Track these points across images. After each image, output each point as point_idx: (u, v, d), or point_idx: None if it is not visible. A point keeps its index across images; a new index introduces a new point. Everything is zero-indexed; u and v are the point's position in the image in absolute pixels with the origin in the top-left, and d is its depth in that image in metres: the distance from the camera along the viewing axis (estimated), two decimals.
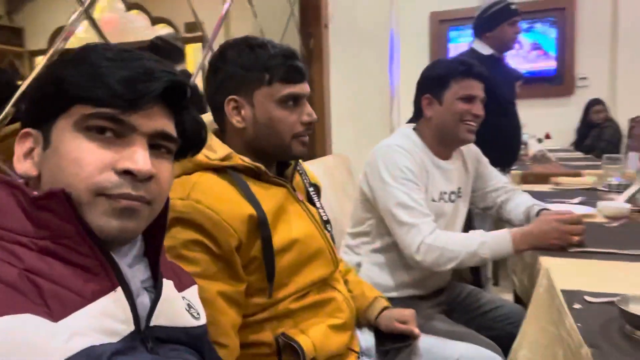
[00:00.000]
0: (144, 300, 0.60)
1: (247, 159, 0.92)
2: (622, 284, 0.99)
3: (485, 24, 2.37)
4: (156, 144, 0.59)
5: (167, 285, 0.64)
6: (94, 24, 1.07)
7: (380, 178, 1.36)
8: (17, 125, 0.62)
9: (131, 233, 0.58)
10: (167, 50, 2.45)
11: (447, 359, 1.15)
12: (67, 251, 0.54)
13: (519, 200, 1.55)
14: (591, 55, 4.65)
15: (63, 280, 0.52)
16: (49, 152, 0.57)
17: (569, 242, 1.23)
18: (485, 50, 2.35)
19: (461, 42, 4.95)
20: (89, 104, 0.55)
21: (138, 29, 5.87)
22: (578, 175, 2.58)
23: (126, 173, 0.55)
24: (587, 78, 4.70)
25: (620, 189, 1.84)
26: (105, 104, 0.55)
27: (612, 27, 4.56)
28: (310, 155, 2.22)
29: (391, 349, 1.15)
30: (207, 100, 0.98)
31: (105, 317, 0.54)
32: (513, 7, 2.35)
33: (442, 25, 5.02)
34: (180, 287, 0.69)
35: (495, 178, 1.62)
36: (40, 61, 1.05)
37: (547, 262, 1.13)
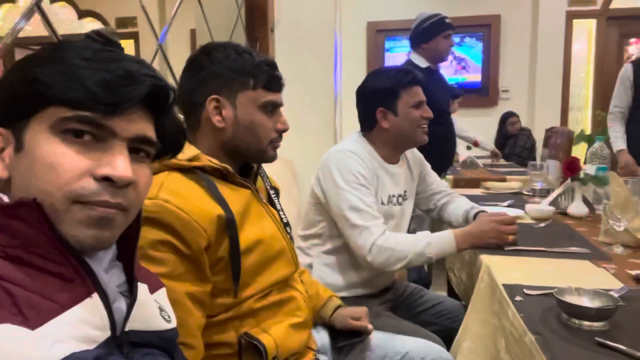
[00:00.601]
0: (120, 305, 0.59)
1: (214, 160, 0.93)
2: (553, 277, 1.10)
3: (422, 35, 2.51)
4: (136, 147, 0.58)
5: (142, 288, 0.64)
6: (45, 18, 1.02)
7: (334, 182, 1.41)
8: None
9: (106, 242, 0.57)
10: (103, 45, 2.33)
11: (397, 353, 1.21)
12: (40, 260, 0.52)
13: (458, 203, 1.66)
14: (513, 70, 5.04)
15: (38, 288, 0.51)
16: (22, 155, 0.54)
17: (505, 240, 1.35)
18: (422, 62, 2.49)
19: (397, 52, 5.16)
20: (65, 106, 0.53)
21: (63, 22, 5.53)
22: (504, 180, 2.80)
23: (105, 179, 0.53)
24: (509, 90, 5.08)
25: (543, 193, 2.02)
26: (84, 107, 0.52)
27: (532, 44, 4.97)
28: None
29: (345, 345, 1.20)
30: (179, 97, 0.97)
31: (83, 324, 0.53)
32: (447, 21, 2.51)
33: (379, 35, 5.21)
34: (151, 289, 0.68)
35: (436, 182, 1.72)
36: None
37: (487, 260, 1.23)
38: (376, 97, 1.50)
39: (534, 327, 0.83)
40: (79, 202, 0.53)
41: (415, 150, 1.66)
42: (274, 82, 0.99)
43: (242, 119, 0.97)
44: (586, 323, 0.82)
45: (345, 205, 1.38)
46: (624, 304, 0.84)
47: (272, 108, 1.00)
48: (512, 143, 4.58)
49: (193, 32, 2.81)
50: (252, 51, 0.99)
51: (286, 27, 2.60)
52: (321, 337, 1.21)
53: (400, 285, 1.64)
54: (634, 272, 1.09)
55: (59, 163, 0.52)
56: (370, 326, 1.19)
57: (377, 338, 1.24)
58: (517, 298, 0.97)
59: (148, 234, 0.82)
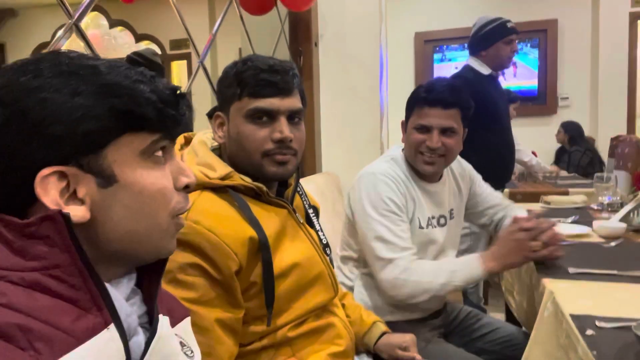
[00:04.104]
0: (138, 339, 0.54)
1: (247, 179, 0.88)
2: (630, 307, 0.96)
3: (481, 42, 2.38)
4: None
5: (163, 322, 0.59)
6: (83, 37, 1.03)
7: (362, 208, 1.32)
8: None
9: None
10: (146, 66, 2.35)
11: None
12: (57, 284, 0.48)
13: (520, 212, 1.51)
14: (572, 76, 4.76)
15: (53, 318, 0.47)
16: (117, 189, 0.51)
17: (534, 249, 1.19)
18: (483, 69, 2.35)
19: (446, 63, 5.03)
20: (143, 130, 0.53)
21: (122, 46, 5.81)
22: (566, 193, 2.60)
23: (184, 188, 0.57)
24: (568, 98, 4.80)
25: (612, 208, 1.84)
26: (161, 127, 0.54)
27: (593, 48, 4.69)
28: (300, 174, 2.18)
29: None
30: None
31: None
32: (509, 25, 2.35)
33: (427, 45, 5.09)
34: (173, 321, 0.63)
35: (490, 195, 1.59)
36: None
37: (551, 285, 1.11)
38: (406, 109, 1.41)
39: None
40: (175, 215, 0.56)
41: (462, 162, 1.54)
42: (262, 87, 0.87)
43: (231, 131, 0.91)
44: None
45: (372, 234, 1.28)
46: None
47: (265, 116, 0.88)
48: (567, 160, 4.26)
49: (241, 51, 2.84)
50: (252, 59, 0.90)
51: (330, 40, 2.56)
52: None
53: (453, 308, 1.53)
54: None
55: (165, 186, 0.55)
56: (418, 357, 1.10)
57: None
58: (589, 332, 0.84)
59: (177, 256, 0.78)
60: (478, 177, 1.59)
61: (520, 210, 1.56)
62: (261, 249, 0.83)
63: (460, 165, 1.52)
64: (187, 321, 0.66)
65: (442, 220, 1.42)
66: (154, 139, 0.53)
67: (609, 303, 1.00)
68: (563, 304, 0.98)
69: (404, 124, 1.39)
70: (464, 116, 1.33)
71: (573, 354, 0.86)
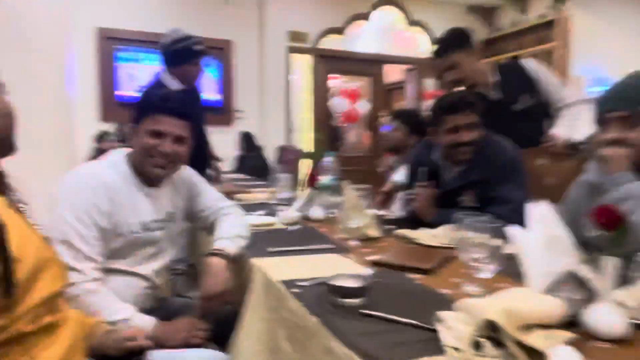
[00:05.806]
0: None
1: None
2: (316, 270, 1.28)
3: (169, 60, 2.47)
4: None
5: None
6: None
7: (58, 207, 1.27)
8: None
9: None
10: None
11: None
12: None
13: (222, 225, 1.56)
14: (246, 92, 5.47)
15: None
16: None
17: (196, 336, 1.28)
18: (173, 84, 2.45)
19: (128, 63, 4.93)
20: None
21: None
22: (249, 192, 3.02)
23: None
24: (243, 111, 5.48)
25: (288, 202, 2.29)
26: None
27: (260, 70, 5.51)
28: None
29: None
30: None
31: None
32: (196, 47, 2.48)
33: (109, 42, 4.88)
34: None
35: (206, 198, 1.63)
36: None
37: (257, 262, 1.35)
38: (136, 109, 1.43)
39: (314, 310, 0.97)
40: None
41: (183, 169, 1.57)
42: None
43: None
44: (350, 300, 1.00)
45: (59, 236, 1.22)
46: (374, 281, 1.06)
47: None
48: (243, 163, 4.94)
49: None
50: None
51: (5, 29, 2.20)
52: None
53: (173, 302, 1.58)
54: (369, 259, 1.37)
55: None
56: (146, 342, 1.14)
57: (157, 357, 1.19)
58: (294, 290, 1.09)
59: None
60: (199, 182, 1.63)
61: (231, 220, 1.58)
62: None
63: (181, 171, 1.55)
64: None
65: (161, 224, 1.46)
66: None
67: (301, 269, 1.29)
68: (270, 274, 1.22)
69: (134, 128, 1.41)
70: (193, 128, 1.46)
71: (285, 310, 1.09)
